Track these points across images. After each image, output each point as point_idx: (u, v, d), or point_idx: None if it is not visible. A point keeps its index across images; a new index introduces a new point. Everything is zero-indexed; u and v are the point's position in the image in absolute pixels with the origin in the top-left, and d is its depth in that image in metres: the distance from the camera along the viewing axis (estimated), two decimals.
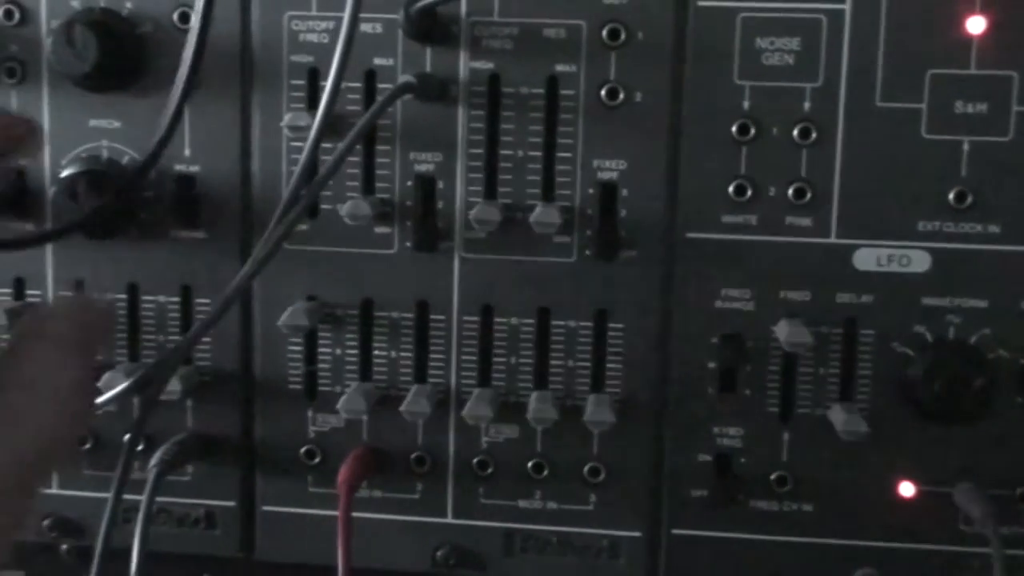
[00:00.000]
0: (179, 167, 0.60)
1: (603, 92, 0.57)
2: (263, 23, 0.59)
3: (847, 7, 0.56)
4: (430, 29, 0.56)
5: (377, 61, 0.58)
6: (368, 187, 0.59)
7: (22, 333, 0.37)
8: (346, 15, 0.50)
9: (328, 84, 0.51)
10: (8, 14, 0.59)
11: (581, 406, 0.59)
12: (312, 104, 0.59)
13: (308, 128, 0.56)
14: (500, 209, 0.57)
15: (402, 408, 0.58)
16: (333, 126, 0.58)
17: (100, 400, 0.56)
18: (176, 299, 0.61)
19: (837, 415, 0.57)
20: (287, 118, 0.57)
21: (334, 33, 0.58)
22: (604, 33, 0.57)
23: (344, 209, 0.57)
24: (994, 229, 0.57)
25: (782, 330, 0.57)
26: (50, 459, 0.36)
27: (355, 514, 0.58)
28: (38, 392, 0.35)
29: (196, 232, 0.60)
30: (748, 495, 0.60)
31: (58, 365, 0.36)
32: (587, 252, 0.59)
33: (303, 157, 0.52)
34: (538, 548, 0.61)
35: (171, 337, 0.61)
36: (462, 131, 0.58)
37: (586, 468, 0.60)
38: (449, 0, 0.54)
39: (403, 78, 0.57)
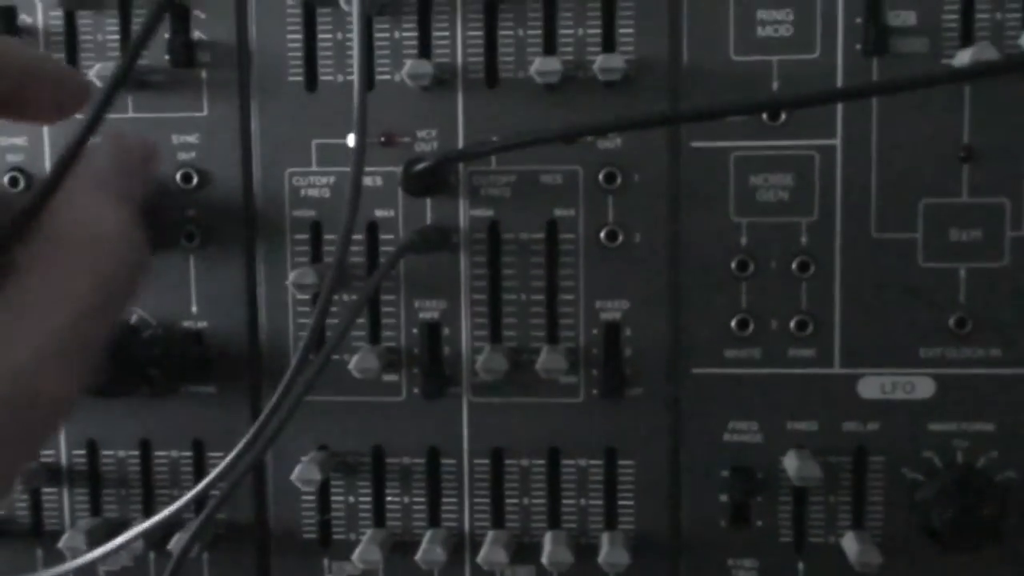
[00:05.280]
0: (187, 323, 0.61)
1: (602, 234, 0.58)
2: (265, 179, 0.60)
3: (838, 142, 0.57)
4: (429, 185, 0.57)
5: (379, 213, 0.59)
6: (375, 336, 0.60)
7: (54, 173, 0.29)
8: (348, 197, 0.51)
9: (332, 268, 0.52)
10: (13, 181, 0.60)
11: (595, 544, 0.59)
12: (316, 258, 0.59)
13: (314, 286, 0.57)
14: (506, 355, 0.58)
15: (417, 557, 0.58)
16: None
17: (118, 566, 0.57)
18: (188, 454, 0.61)
19: (850, 544, 0.58)
20: (293, 276, 0.58)
21: (335, 187, 0.59)
22: (601, 177, 0.58)
23: (352, 363, 0.58)
24: (996, 352, 0.57)
25: (791, 464, 0.57)
26: (107, 312, 0.28)
27: None
28: (77, 242, 0.28)
29: (206, 387, 0.61)
30: None
31: (100, 205, 0.29)
32: (594, 391, 0.59)
33: (309, 327, 0.52)
34: None
35: (185, 491, 0.61)
36: (465, 278, 0.59)
37: None
38: (446, 163, 0.55)
39: (404, 237, 0.58)
